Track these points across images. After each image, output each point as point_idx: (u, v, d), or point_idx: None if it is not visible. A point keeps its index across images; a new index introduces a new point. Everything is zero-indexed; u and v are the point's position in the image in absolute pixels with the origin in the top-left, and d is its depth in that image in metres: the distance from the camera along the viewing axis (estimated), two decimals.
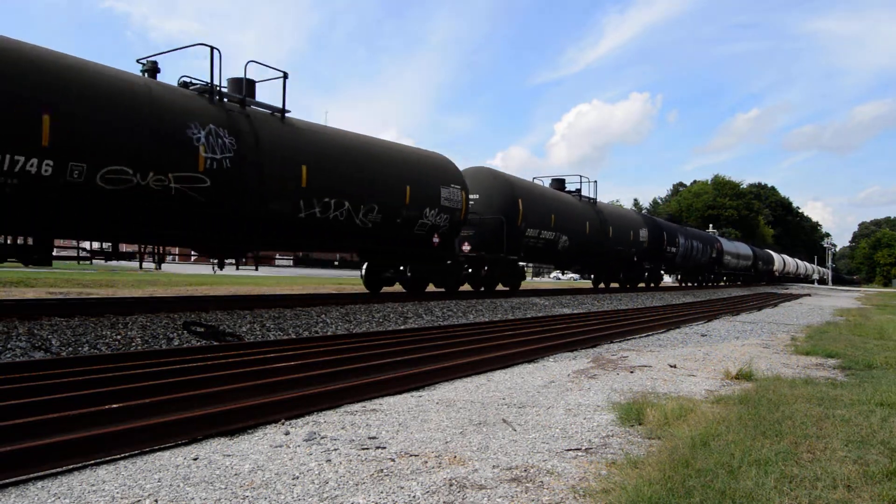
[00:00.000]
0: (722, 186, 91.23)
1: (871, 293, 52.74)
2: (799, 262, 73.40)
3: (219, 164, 9.83)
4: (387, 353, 7.35)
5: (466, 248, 16.58)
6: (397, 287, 16.78)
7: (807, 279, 76.50)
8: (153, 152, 8.91)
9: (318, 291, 17.60)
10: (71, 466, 3.51)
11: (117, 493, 3.15)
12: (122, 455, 3.73)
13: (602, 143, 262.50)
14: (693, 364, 7.90)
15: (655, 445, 4.06)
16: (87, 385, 5.12)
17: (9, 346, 6.65)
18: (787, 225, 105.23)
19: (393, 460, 3.72)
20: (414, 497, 3.12)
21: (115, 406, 4.36)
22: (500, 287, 19.24)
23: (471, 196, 16.50)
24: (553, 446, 4.07)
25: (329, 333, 9.57)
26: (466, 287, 18.24)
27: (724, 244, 40.58)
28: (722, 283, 42.15)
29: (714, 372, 7.28)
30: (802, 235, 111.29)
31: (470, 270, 17.15)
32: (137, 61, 10.42)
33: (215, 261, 11.66)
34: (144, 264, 12.39)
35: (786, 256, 65.59)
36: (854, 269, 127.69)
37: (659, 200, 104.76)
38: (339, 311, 11.08)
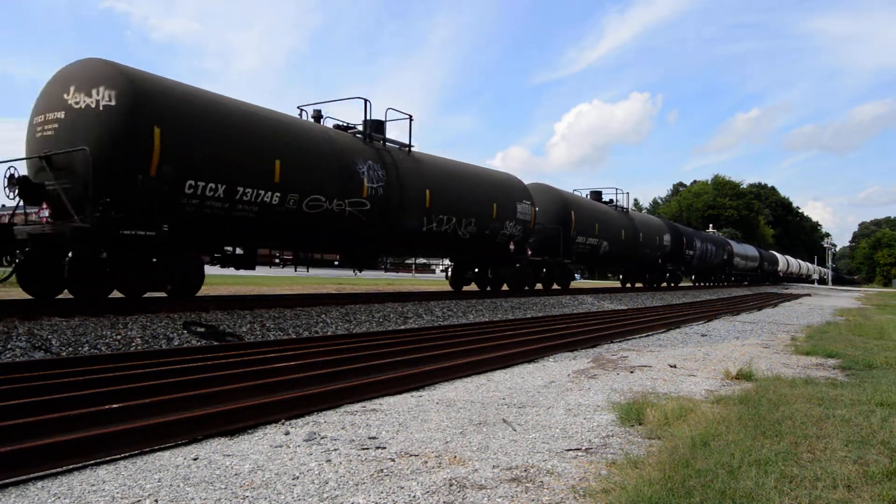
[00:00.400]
0: (722, 186, 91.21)
1: (871, 293, 52.78)
2: (801, 262, 75.89)
3: (375, 191, 12.84)
4: (387, 353, 7.35)
5: (529, 252, 18.96)
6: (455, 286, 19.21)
7: (807, 279, 76.87)
8: (336, 184, 11.95)
9: (319, 291, 17.60)
10: (71, 466, 3.51)
11: (117, 492, 3.15)
12: (122, 455, 3.73)
13: (602, 142, 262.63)
14: (693, 364, 7.89)
15: (655, 445, 4.06)
16: (87, 385, 5.12)
17: (9, 346, 6.65)
18: (787, 225, 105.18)
19: (393, 460, 3.72)
20: (414, 497, 3.12)
21: (115, 406, 4.36)
22: (554, 286, 22.11)
23: None
24: (553, 446, 4.07)
25: (329, 333, 9.57)
26: (505, 287, 20.11)
27: (734, 247, 43.09)
28: (730, 283, 44.82)
29: (714, 372, 7.28)
30: (802, 235, 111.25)
31: (531, 272, 19.77)
32: (299, 108, 13.30)
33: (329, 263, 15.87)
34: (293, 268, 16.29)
35: (789, 258, 68.22)
36: (854, 269, 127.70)
37: (659, 200, 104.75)
38: (339, 311, 11.08)
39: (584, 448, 4.04)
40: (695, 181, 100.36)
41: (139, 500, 3.05)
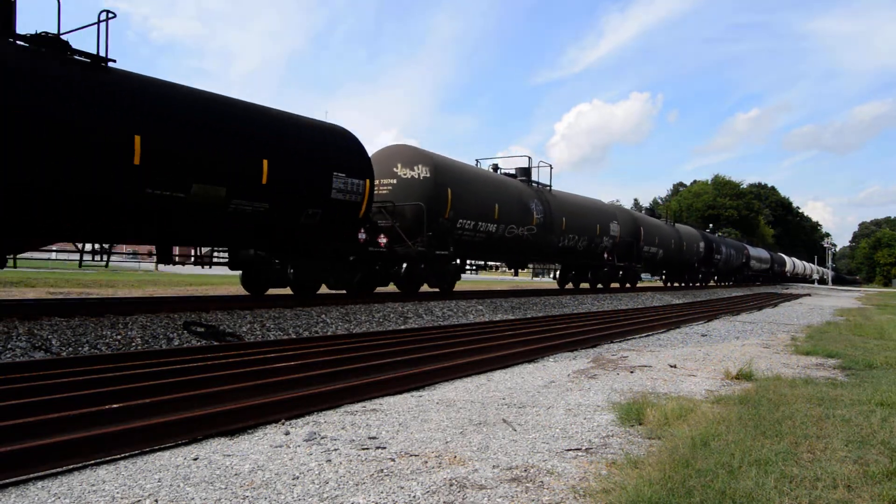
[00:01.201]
0: (722, 186, 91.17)
1: (871, 293, 52.86)
2: (806, 263, 79.98)
3: (538, 220, 18.84)
4: (387, 353, 7.35)
5: (610, 258, 24.79)
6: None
7: (807, 279, 77.29)
8: (520, 216, 17.98)
9: (318, 291, 17.58)
10: (71, 466, 3.51)
11: (117, 493, 3.15)
12: (122, 455, 3.73)
13: (602, 142, 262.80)
14: (693, 364, 7.89)
15: (655, 445, 4.06)
16: (87, 385, 5.12)
17: (9, 346, 6.65)
18: (787, 225, 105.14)
19: (393, 460, 3.72)
20: (414, 497, 3.12)
21: (115, 406, 4.36)
22: (627, 284, 27.97)
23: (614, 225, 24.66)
24: (553, 446, 4.07)
25: (329, 333, 9.56)
26: (562, 285, 25.43)
27: (750, 251, 48.56)
28: (746, 283, 49.95)
29: (714, 372, 7.27)
30: (802, 235, 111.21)
31: (614, 273, 25.81)
32: (477, 160, 19.53)
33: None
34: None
35: (795, 259, 73.68)
36: (854, 269, 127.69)
37: (659, 200, 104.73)
38: (339, 311, 11.08)
39: (584, 448, 4.04)
40: (695, 181, 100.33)
41: (139, 500, 3.05)
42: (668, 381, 6.58)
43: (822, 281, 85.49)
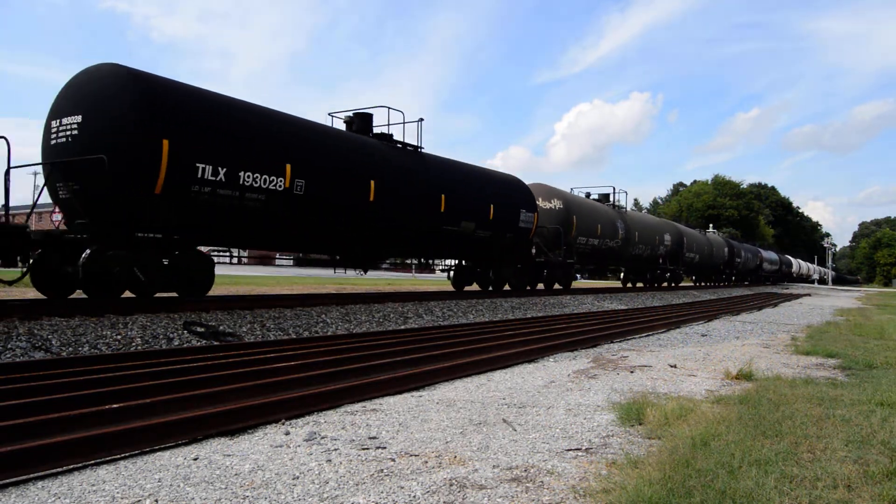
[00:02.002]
0: (722, 186, 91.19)
1: (871, 293, 52.87)
2: (810, 264, 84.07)
3: (622, 235, 25.42)
4: (387, 353, 7.35)
5: (662, 262, 30.80)
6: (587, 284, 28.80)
7: (807, 279, 77.75)
8: (611, 232, 24.49)
9: (319, 291, 17.60)
10: (71, 466, 3.51)
11: (117, 492, 3.15)
12: (123, 455, 3.73)
13: (602, 142, 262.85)
14: (693, 364, 7.89)
15: (655, 445, 4.06)
16: (87, 385, 5.12)
17: (9, 346, 6.65)
18: (787, 225, 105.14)
19: (393, 460, 3.72)
20: (414, 497, 3.11)
21: (115, 406, 4.36)
22: (682, 282, 35.15)
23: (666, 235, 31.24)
24: (553, 446, 4.07)
25: (329, 333, 9.56)
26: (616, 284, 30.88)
27: (763, 254, 55.25)
28: (759, 283, 55.67)
29: (714, 372, 7.27)
30: (802, 235, 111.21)
31: (673, 275, 33.22)
32: (572, 188, 25.18)
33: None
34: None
35: (800, 260, 79.09)
36: (854, 269, 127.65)
37: (659, 200, 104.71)
38: (339, 311, 11.08)
39: (584, 448, 4.04)
40: (695, 181, 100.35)
41: (139, 500, 3.05)
42: (668, 381, 6.58)
43: (821, 281, 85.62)
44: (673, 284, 34.09)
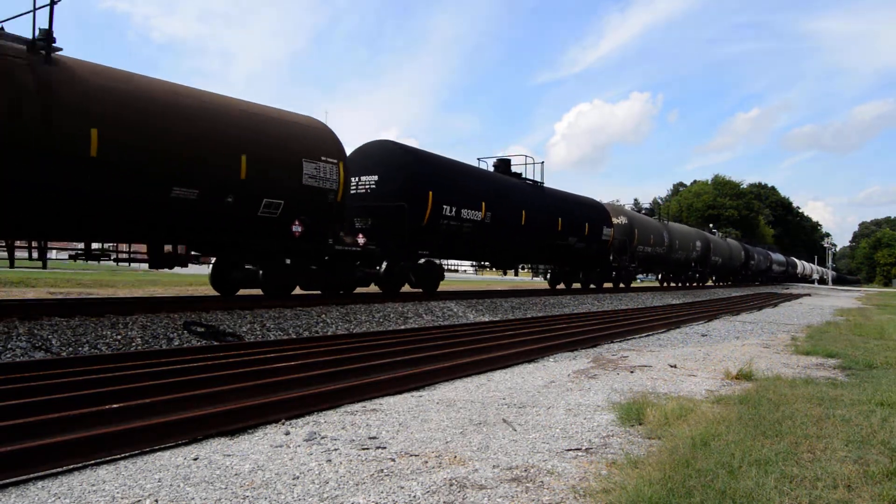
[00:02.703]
0: (722, 186, 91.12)
1: (871, 293, 52.94)
2: (811, 265, 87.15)
3: (666, 243, 30.32)
4: (387, 353, 7.35)
5: (694, 265, 36.35)
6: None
7: (809, 279, 78.23)
8: (658, 241, 29.04)
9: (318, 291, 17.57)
10: (71, 466, 3.51)
11: (117, 492, 3.15)
12: (123, 455, 3.73)
13: (602, 142, 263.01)
14: (693, 364, 7.89)
15: (655, 445, 4.06)
16: (87, 385, 5.12)
17: (9, 346, 6.65)
18: (787, 225, 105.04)
19: (393, 460, 3.71)
20: (414, 497, 3.11)
21: (115, 406, 4.36)
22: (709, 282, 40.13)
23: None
24: (553, 446, 4.07)
25: (329, 333, 9.56)
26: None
27: (772, 256, 60.20)
28: (769, 283, 59.82)
29: (714, 372, 7.27)
30: (802, 235, 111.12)
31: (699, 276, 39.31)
32: (608, 204, 26.84)
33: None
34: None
35: (804, 262, 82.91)
36: (854, 269, 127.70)
37: (659, 200, 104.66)
38: (339, 311, 11.08)
39: (584, 448, 4.04)
40: (695, 181, 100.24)
41: (139, 500, 3.05)
42: (668, 381, 6.58)
43: (822, 281, 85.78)
44: (700, 284, 39.92)
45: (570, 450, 3.99)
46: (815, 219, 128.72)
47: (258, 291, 12.08)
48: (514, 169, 19.73)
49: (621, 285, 27.29)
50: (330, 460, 3.69)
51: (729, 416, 4.65)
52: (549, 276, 24.92)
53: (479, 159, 19.31)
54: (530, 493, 3.19)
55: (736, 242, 49.12)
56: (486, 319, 12.76)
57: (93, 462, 3.60)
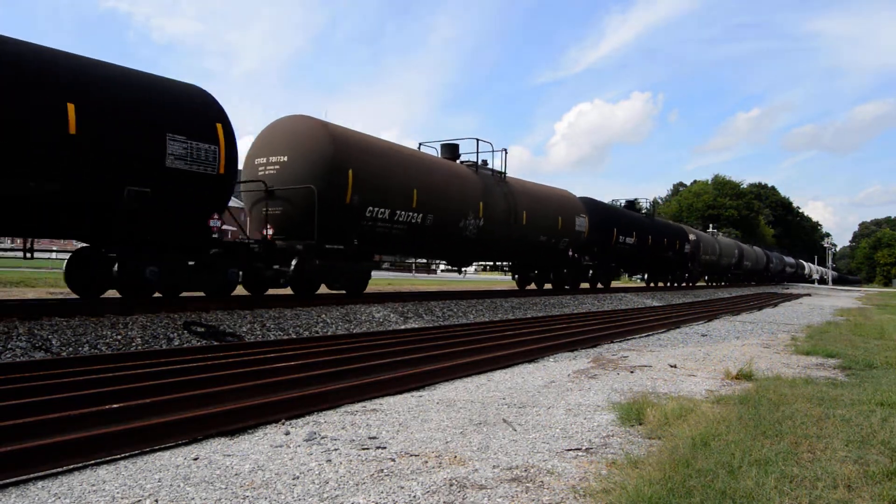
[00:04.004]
0: (722, 186, 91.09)
1: (871, 293, 52.97)
2: (816, 266, 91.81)
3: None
4: (387, 353, 7.35)
5: (733, 269, 41.45)
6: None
7: (808, 279, 78.73)
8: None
9: (318, 291, 17.57)
10: (71, 466, 3.51)
11: (118, 492, 3.15)
12: (123, 455, 3.73)
13: (603, 142, 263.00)
14: (693, 364, 7.89)
15: (656, 445, 4.06)
16: (87, 385, 5.12)
17: (9, 346, 6.65)
18: (787, 225, 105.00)
19: (393, 460, 3.71)
20: (414, 497, 3.11)
21: (115, 406, 4.36)
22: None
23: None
24: (553, 446, 4.07)
25: (329, 333, 9.56)
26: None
27: (784, 259, 67.81)
28: (780, 283, 64.76)
29: (714, 372, 7.27)
30: (802, 235, 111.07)
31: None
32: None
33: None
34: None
35: (810, 264, 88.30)
36: (854, 268, 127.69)
37: (659, 200, 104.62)
38: (339, 311, 11.08)
39: (584, 448, 4.04)
40: (695, 181, 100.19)
41: (139, 500, 3.05)
42: (668, 381, 6.58)
43: (822, 281, 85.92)
44: (724, 283, 44.91)
45: (570, 450, 3.99)
46: (815, 219, 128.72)
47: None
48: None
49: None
50: (330, 460, 3.69)
51: (729, 416, 4.65)
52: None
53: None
54: (530, 493, 3.19)
55: (758, 249, 55.80)
56: (486, 319, 12.76)
57: (93, 462, 3.60)
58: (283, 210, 11.72)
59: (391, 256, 19.27)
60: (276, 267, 11.29)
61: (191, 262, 10.15)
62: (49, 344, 6.95)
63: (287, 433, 4.29)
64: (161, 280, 9.54)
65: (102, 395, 4.73)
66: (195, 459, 3.69)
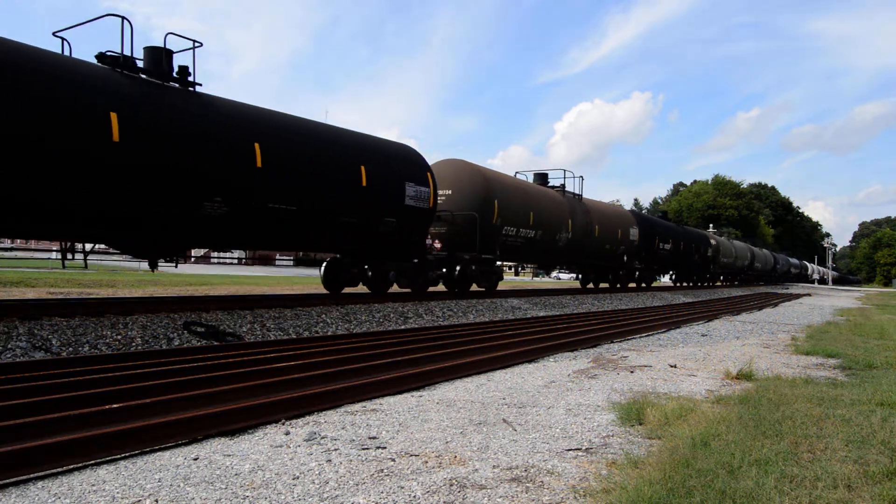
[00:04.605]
0: (722, 186, 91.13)
1: (871, 293, 52.95)
2: (818, 266, 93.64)
3: (744, 258, 44.59)
4: (387, 353, 7.34)
5: (748, 271, 46.73)
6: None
7: (809, 279, 79.07)
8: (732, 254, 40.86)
9: (318, 291, 17.59)
10: (71, 466, 3.51)
11: (118, 492, 3.15)
12: (123, 455, 3.73)
13: (603, 142, 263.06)
14: (693, 364, 7.89)
15: (656, 445, 4.06)
16: (87, 385, 5.12)
17: (9, 346, 6.65)
18: (787, 225, 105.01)
19: (393, 460, 3.71)
20: (414, 497, 3.11)
21: (115, 406, 4.36)
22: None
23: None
24: (553, 446, 4.07)
25: (329, 333, 9.56)
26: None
27: (791, 261, 71.92)
28: (785, 283, 68.07)
29: (714, 372, 7.27)
30: (802, 235, 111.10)
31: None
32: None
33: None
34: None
35: (813, 265, 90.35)
36: (854, 269, 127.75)
37: (659, 200, 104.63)
38: (340, 311, 11.08)
39: (584, 448, 4.04)
40: (695, 181, 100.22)
41: (139, 500, 3.05)
42: (668, 381, 6.58)
43: (822, 281, 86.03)
44: (737, 283, 49.33)
45: (571, 450, 3.99)
46: (815, 219, 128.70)
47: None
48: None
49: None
50: (330, 460, 3.69)
51: (729, 416, 4.65)
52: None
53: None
54: (530, 493, 3.19)
55: (767, 252, 59.88)
56: (486, 319, 12.76)
57: (93, 462, 3.60)
58: (447, 230, 15.90)
59: (511, 263, 22.10)
60: (444, 270, 15.58)
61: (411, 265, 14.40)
62: (49, 344, 6.95)
63: (287, 433, 4.29)
64: (398, 279, 14.42)
65: (102, 395, 4.73)
66: (195, 459, 3.69)
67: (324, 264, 14.08)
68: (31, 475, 3.36)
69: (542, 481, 3.37)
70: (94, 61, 9.01)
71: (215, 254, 12.75)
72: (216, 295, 14.13)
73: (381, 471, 3.51)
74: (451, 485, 3.29)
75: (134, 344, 7.51)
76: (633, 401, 5.29)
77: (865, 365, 7.92)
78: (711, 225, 65.61)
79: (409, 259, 14.35)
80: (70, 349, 6.97)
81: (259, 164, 10.18)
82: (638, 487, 3.08)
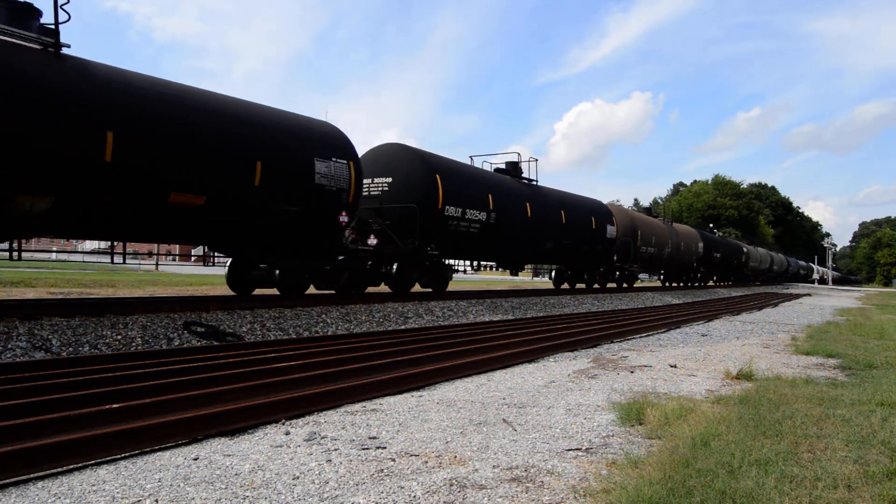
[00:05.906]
0: (722, 186, 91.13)
1: (871, 293, 52.94)
2: (820, 267, 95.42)
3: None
4: (387, 353, 7.34)
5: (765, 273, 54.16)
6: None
7: (808, 279, 79.30)
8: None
9: (318, 291, 17.58)
10: (71, 466, 3.51)
11: (118, 492, 3.15)
12: (123, 455, 3.73)
13: (603, 142, 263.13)
14: (693, 364, 7.89)
15: (656, 445, 4.06)
16: (87, 385, 5.12)
17: (9, 346, 6.65)
18: (787, 225, 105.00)
19: (393, 460, 3.71)
20: (414, 497, 3.11)
21: (115, 406, 4.36)
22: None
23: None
24: (553, 446, 4.07)
25: (329, 333, 9.56)
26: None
27: (799, 263, 78.23)
28: (791, 283, 73.00)
29: (714, 372, 7.27)
30: (802, 235, 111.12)
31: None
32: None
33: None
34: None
35: (816, 265, 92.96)
36: (854, 268, 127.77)
37: (659, 200, 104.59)
38: (340, 311, 11.08)
39: (584, 448, 4.04)
40: (695, 181, 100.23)
41: (139, 500, 3.05)
42: (668, 381, 6.57)
43: (822, 281, 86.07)
44: (759, 283, 53.92)
45: (571, 450, 3.99)
46: (815, 219, 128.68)
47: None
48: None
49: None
50: (330, 460, 3.69)
51: (729, 416, 4.65)
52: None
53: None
54: (530, 493, 3.19)
55: (781, 255, 65.63)
56: (486, 319, 12.76)
57: (93, 462, 3.60)
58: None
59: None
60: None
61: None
62: (49, 344, 6.95)
63: (287, 433, 4.29)
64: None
65: (102, 396, 4.73)
66: (195, 459, 3.69)
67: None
68: (31, 475, 3.35)
69: (542, 481, 3.37)
70: None
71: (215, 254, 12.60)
72: (216, 295, 14.13)
73: (381, 471, 3.51)
74: (451, 485, 3.29)
75: (134, 344, 7.51)
76: (633, 401, 5.29)
77: (865, 365, 7.92)
78: (711, 225, 65.62)
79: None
80: (70, 349, 6.97)
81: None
82: (638, 487, 3.08)
